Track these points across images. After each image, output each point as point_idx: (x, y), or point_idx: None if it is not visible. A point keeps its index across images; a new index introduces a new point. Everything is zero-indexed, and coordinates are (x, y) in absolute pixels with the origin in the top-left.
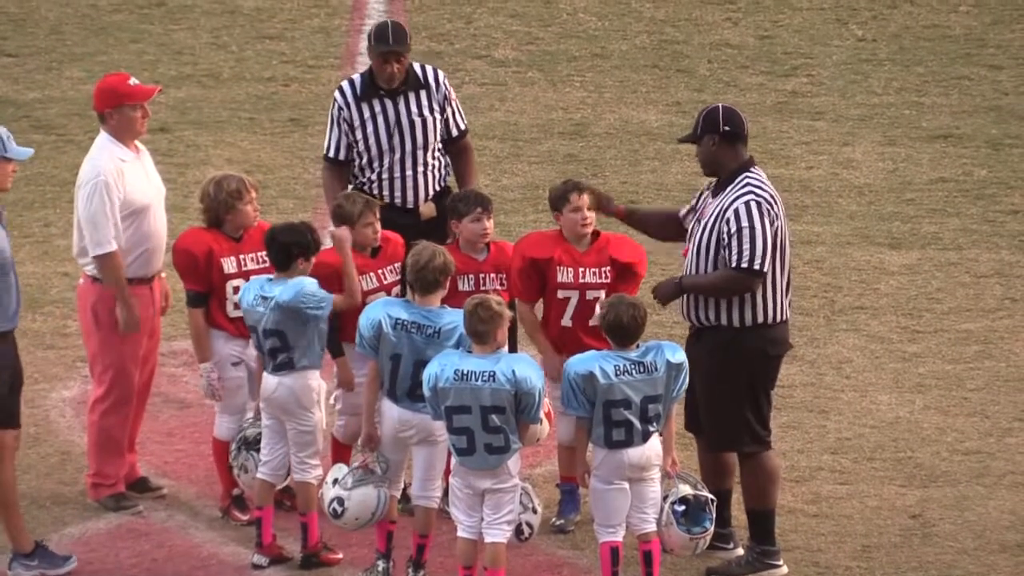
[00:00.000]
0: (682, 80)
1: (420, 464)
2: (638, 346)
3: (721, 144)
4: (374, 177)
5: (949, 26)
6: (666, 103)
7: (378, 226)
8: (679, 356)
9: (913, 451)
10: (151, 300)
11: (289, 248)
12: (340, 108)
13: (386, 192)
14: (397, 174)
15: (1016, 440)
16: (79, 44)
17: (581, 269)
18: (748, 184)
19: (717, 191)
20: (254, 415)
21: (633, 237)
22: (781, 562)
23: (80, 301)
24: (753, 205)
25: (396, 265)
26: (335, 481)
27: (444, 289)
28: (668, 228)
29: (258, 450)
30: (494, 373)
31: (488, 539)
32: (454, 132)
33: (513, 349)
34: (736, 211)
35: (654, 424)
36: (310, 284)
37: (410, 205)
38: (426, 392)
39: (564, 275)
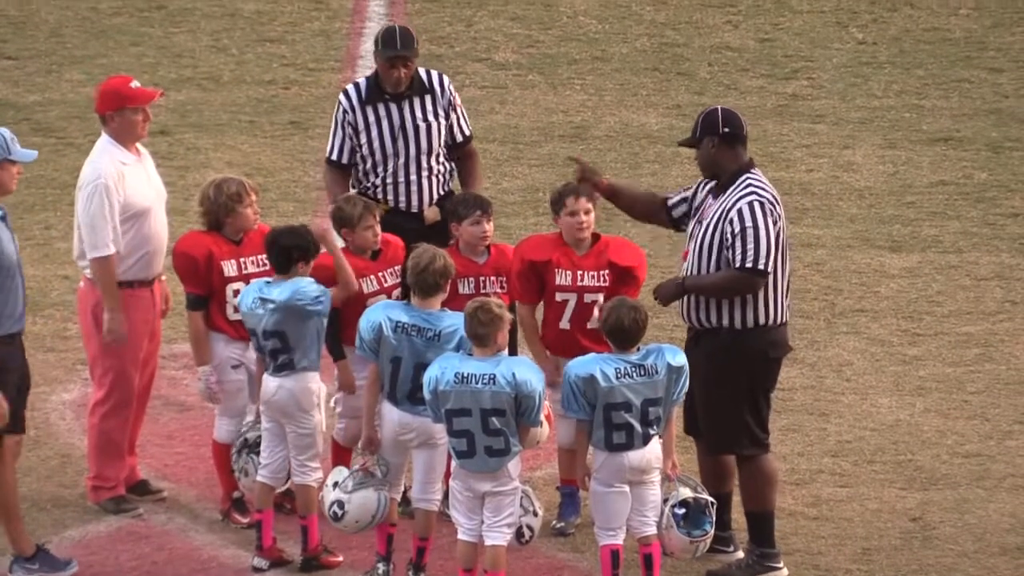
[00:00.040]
0: (682, 83)
1: (420, 467)
2: (639, 349)
3: (721, 146)
4: (378, 182)
5: (949, 29)
6: (666, 106)
7: (378, 229)
8: (680, 359)
9: (913, 454)
10: (152, 303)
11: (290, 251)
12: (345, 111)
13: (391, 196)
14: (401, 178)
15: (1016, 443)
16: (79, 47)
17: (579, 272)
18: (750, 185)
19: (718, 193)
20: (254, 418)
21: (633, 239)
22: (781, 564)
23: (80, 304)
24: (756, 205)
25: (396, 268)
26: (335, 484)
27: (444, 292)
28: (645, 209)
29: (259, 453)
30: (494, 376)
31: (488, 542)
32: (459, 137)
33: (513, 352)
34: (739, 211)
35: (654, 427)
36: (307, 281)
37: (415, 209)
38: (426, 395)
39: (562, 278)
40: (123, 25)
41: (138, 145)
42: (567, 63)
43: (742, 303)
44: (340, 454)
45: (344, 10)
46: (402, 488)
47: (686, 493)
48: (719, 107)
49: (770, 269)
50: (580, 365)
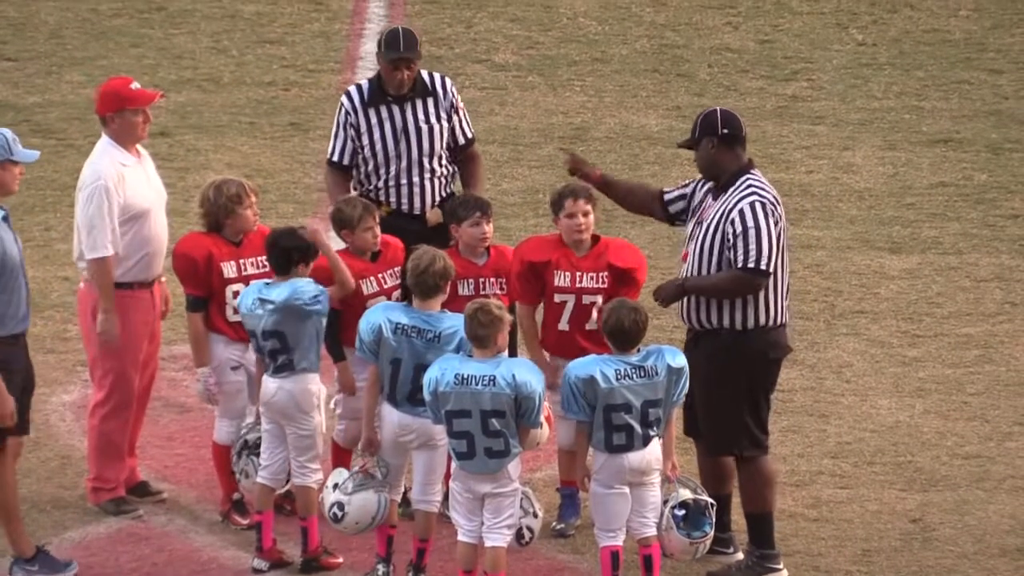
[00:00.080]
0: (682, 84)
1: (420, 468)
2: (639, 350)
3: (720, 147)
4: (381, 184)
5: (949, 30)
6: (666, 107)
7: (378, 230)
8: (680, 360)
9: (913, 455)
10: (151, 304)
11: (290, 253)
12: (347, 113)
13: (393, 199)
14: (404, 181)
15: (1016, 444)
16: (79, 48)
17: (578, 273)
18: (751, 186)
19: (718, 194)
20: (254, 420)
21: (633, 241)
22: (781, 566)
23: (80, 305)
24: (758, 206)
25: (396, 269)
26: (335, 486)
27: (444, 293)
28: (638, 200)
29: (259, 455)
30: (494, 377)
31: (488, 543)
32: (461, 140)
33: (513, 353)
34: (741, 212)
35: (654, 428)
36: (305, 281)
37: (417, 212)
38: (426, 396)
39: (561, 279)
40: (123, 26)
41: (138, 146)
42: (567, 64)
43: (743, 304)
44: (340, 455)
45: (344, 12)
46: (402, 489)
47: (686, 494)
48: (718, 108)
49: (772, 269)
50: (580, 366)
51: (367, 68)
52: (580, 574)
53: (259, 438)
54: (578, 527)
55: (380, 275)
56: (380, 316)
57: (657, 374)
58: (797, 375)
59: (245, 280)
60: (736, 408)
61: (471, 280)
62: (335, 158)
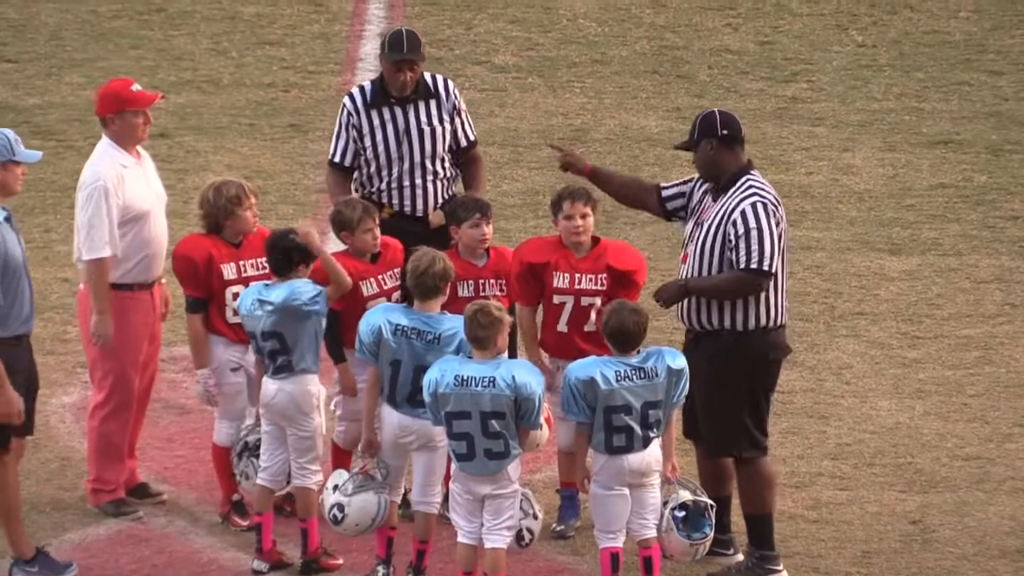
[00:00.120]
0: (682, 86)
1: (420, 470)
2: (639, 352)
3: (719, 148)
4: (383, 187)
5: (949, 32)
6: (666, 109)
7: (377, 232)
8: (680, 362)
9: (913, 457)
10: (151, 306)
11: (290, 254)
12: (350, 114)
13: (395, 201)
14: (407, 183)
15: (1016, 446)
16: (79, 50)
17: (577, 275)
18: (752, 186)
19: (718, 195)
20: (254, 421)
21: (633, 243)
22: (781, 567)
23: (80, 307)
24: (760, 207)
25: (396, 270)
26: (335, 487)
27: (444, 295)
28: (632, 193)
29: (259, 456)
30: (494, 379)
31: (488, 545)
32: (463, 143)
33: (513, 355)
34: (743, 213)
35: (654, 430)
36: (303, 282)
37: (419, 213)
38: (426, 397)
39: (560, 280)
40: (123, 28)
41: (138, 148)
42: (567, 66)
43: (744, 305)
44: (340, 457)
45: (344, 13)
46: (402, 491)
47: (686, 496)
48: (716, 110)
49: (774, 270)
50: (580, 368)
51: (367, 70)
52: (580, 575)
53: (259, 440)
54: (578, 529)
55: (380, 276)
56: (380, 318)
57: (657, 375)
58: (797, 377)
59: (245, 282)
60: (737, 409)
61: (471, 282)
62: (336, 159)
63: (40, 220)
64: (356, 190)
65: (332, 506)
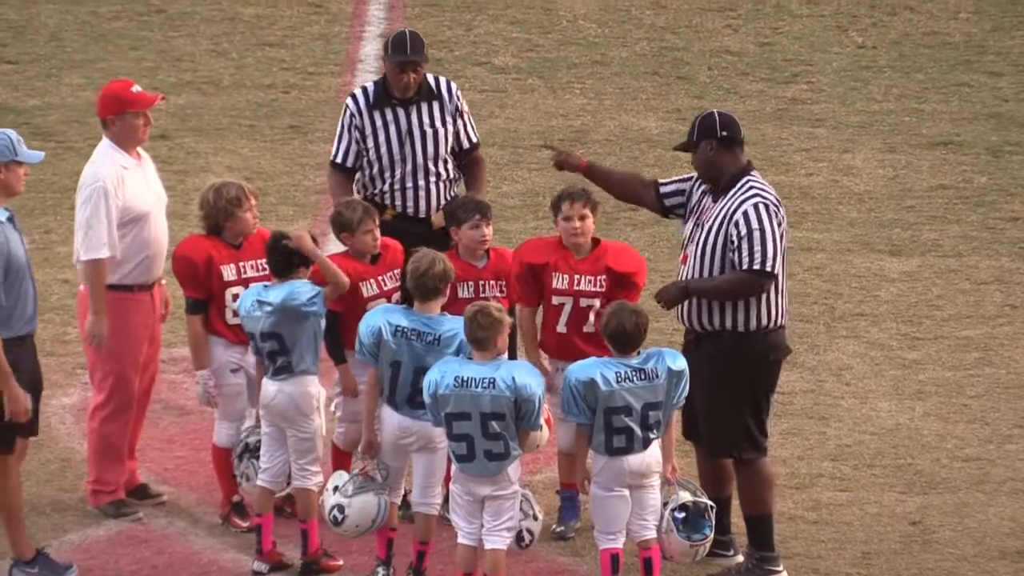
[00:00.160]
0: (682, 87)
1: (420, 471)
2: (639, 353)
3: (719, 149)
4: (386, 188)
5: (949, 33)
6: (666, 110)
7: (377, 233)
8: (680, 363)
9: (913, 458)
10: (152, 307)
11: (290, 255)
12: (352, 115)
13: (398, 202)
14: (409, 184)
15: (1016, 447)
16: (79, 51)
17: (576, 276)
18: (752, 187)
19: (718, 196)
20: (254, 422)
21: (633, 244)
22: (781, 568)
23: (80, 308)
24: (761, 208)
25: (396, 272)
26: (335, 488)
27: (444, 296)
28: (629, 189)
29: (259, 457)
30: (494, 380)
31: (488, 546)
32: (465, 144)
33: (513, 356)
34: (745, 214)
35: (654, 431)
36: (301, 283)
37: (422, 215)
38: (426, 399)
39: (559, 281)
40: (123, 29)
41: (139, 149)
42: (567, 67)
43: (745, 306)
44: (340, 458)
45: (344, 14)
46: (402, 492)
47: (686, 497)
48: (715, 111)
49: (776, 271)
50: (580, 369)
51: (367, 71)
52: None
53: (259, 441)
54: (578, 530)
55: (380, 277)
56: (380, 319)
57: (657, 377)
58: (797, 378)
59: (245, 283)
60: (738, 410)
61: (471, 283)
62: (338, 159)
63: (40, 221)
64: (359, 192)
65: (332, 507)
